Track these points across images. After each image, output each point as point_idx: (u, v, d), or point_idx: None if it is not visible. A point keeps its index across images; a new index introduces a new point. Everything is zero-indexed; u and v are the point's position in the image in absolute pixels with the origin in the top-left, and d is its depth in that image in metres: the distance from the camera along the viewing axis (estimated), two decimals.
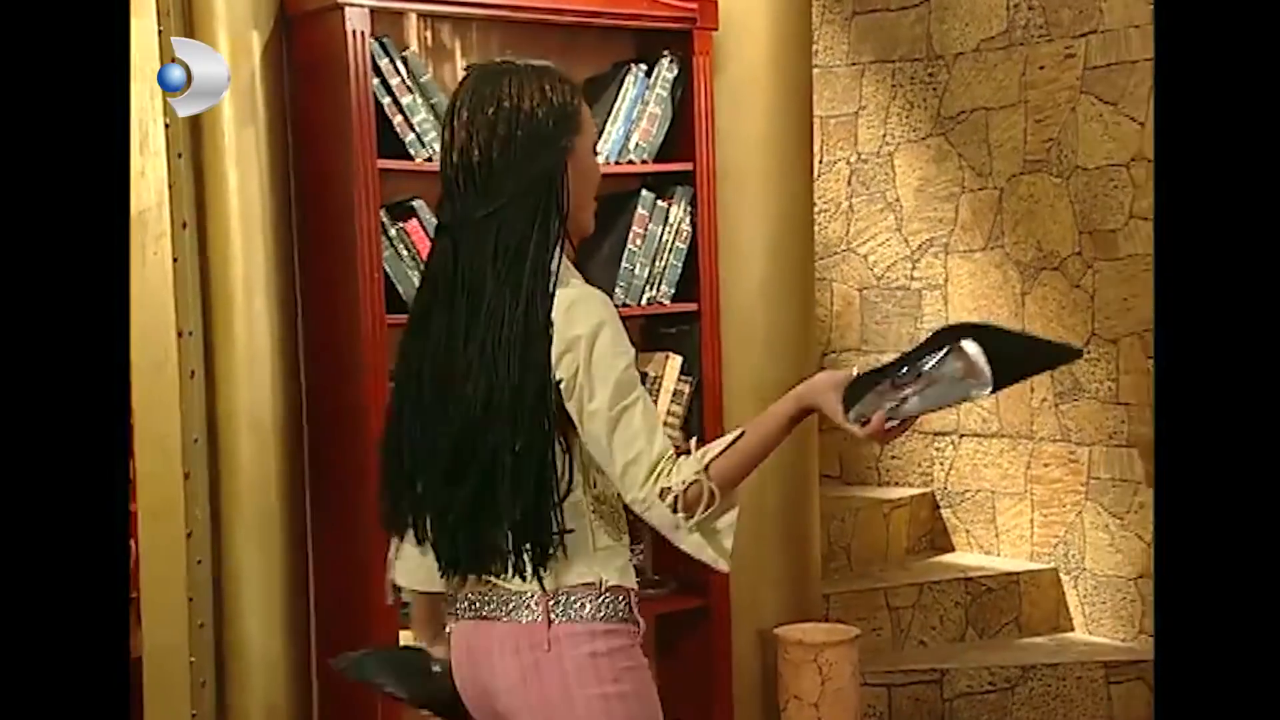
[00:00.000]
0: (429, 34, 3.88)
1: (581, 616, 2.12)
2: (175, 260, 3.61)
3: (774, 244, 4.28)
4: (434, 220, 3.62)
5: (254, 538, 3.72)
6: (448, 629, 2.27)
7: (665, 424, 3.90)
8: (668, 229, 4.00)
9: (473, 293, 2.09)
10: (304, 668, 3.83)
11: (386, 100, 3.61)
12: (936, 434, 5.48)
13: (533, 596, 2.12)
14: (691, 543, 2.11)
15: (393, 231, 3.64)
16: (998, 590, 5.08)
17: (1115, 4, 4.93)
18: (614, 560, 2.17)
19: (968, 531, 5.44)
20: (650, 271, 3.98)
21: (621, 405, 2.06)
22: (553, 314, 2.07)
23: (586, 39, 3.97)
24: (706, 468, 2.07)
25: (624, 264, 3.93)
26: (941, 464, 5.49)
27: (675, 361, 4.03)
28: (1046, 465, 5.20)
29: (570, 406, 2.09)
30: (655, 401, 3.95)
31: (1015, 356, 2.02)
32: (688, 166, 3.99)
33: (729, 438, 2.11)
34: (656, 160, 3.99)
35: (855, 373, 2.07)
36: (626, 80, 3.96)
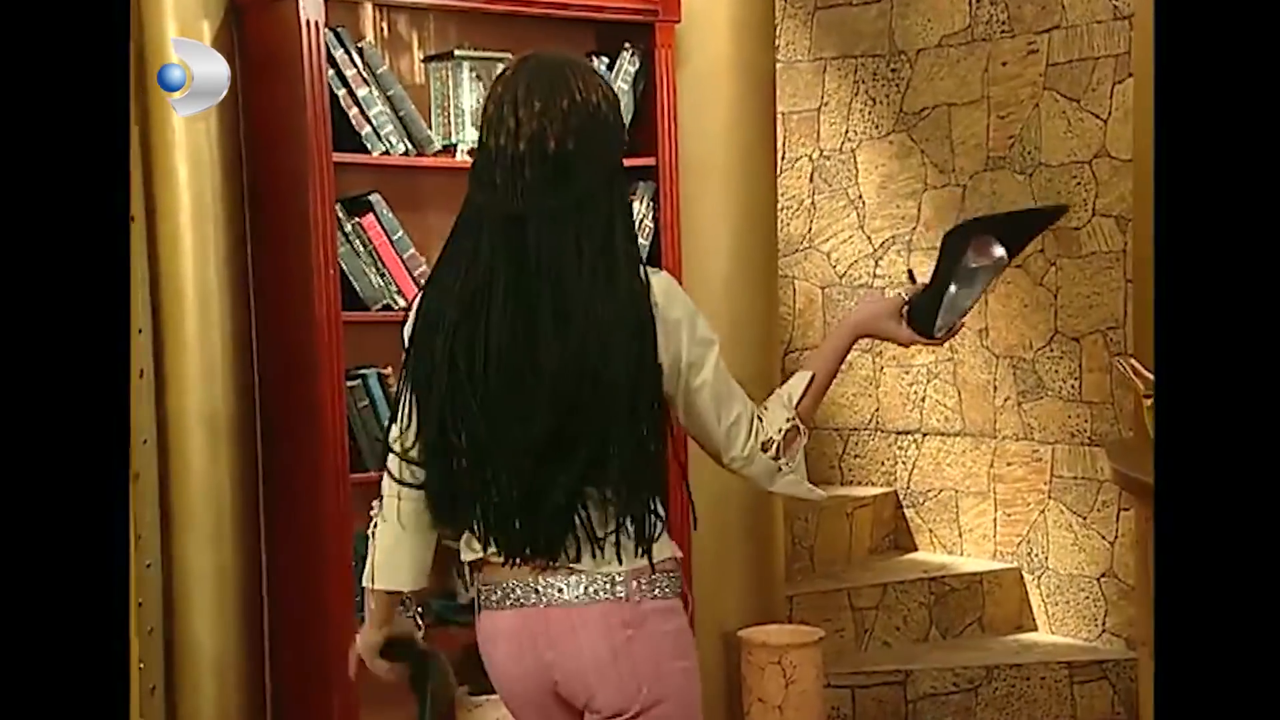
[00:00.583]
0: (385, 25, 3.82)
1: (666, 594, 2.20)
2: None
3: (737, 239, 4.25)
4: (392, 215, 3.64)
5: (205, 540, 3.67)
6: (476, 617, 2.27)
7: None
8: None
9: (557, 280, 2.09)
10: (257, 672, 3.77)
11: (342, 92, 3.55)
12: (899, 433, 5.45)
13: (622, 577, 2.16)
14: (789, 483, 2.26)
15: (348, 227, 3.58)
16: (961, 590, 5.05)
17: (1077, 0, 4.91)
18: (669, 537, 2.24)
19: (931, 531, 5.40)
20: None
21: (722, 376, 2.18)
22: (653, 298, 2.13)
23: (547, 30, 3.90)
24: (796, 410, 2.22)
25: None
26: (904, 463, 5.46)
27: None
28: (1009, 464, 5.18)
29: (670, 387, 2.15)
30: None
31: (1013, 229, 2.28)
32: (650, 161, 3.95)
33: (804, 379, 2.25)
34: None
35: (905, 295, 2.25)
36: None
